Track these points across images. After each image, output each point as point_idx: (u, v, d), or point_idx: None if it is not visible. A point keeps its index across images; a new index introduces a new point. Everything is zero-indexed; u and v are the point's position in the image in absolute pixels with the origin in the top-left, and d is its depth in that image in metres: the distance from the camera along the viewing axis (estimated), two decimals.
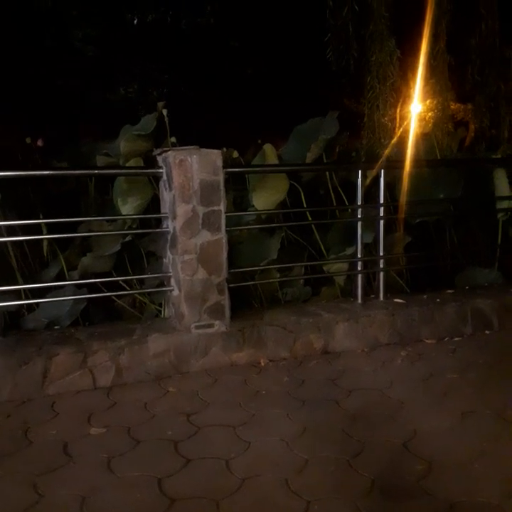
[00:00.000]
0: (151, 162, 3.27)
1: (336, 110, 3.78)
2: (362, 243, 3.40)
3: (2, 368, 2.59)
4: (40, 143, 4.04)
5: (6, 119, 4.05)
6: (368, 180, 3.44)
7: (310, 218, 3.63)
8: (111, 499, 1.81)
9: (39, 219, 3.35)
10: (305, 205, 3.65)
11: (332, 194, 3.78)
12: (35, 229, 3.36)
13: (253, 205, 3.49)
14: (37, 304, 3.18)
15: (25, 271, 3.38)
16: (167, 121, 3.41)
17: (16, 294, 3.15)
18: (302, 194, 3.60)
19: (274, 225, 3.56)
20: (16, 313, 3.15)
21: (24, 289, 3.18)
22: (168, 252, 3.09)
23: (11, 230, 3.22)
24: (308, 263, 3.66)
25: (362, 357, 3.13)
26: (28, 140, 3.93)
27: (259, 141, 3.98)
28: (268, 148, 3.50)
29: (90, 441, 2.21)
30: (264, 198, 3.43)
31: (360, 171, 3.36)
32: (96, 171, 3.54)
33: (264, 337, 3.06)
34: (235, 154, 3.84)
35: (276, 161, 3.58)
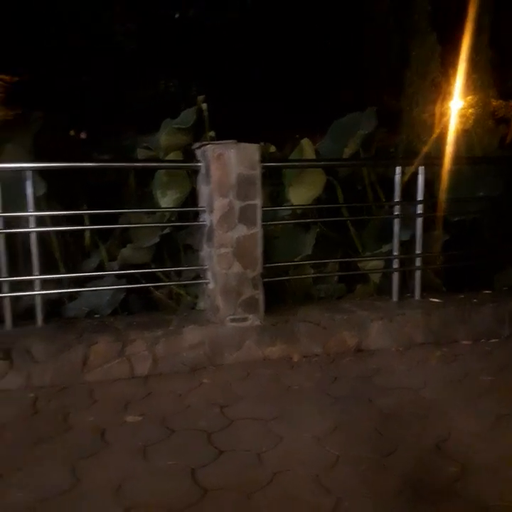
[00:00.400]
0: (190, 156, 3.31)
1: (374, 106, 3.74)
2: (399, 241, 3.36)
3: (44, 354, 2.69)
4: (83, 135, 4.14)
5: (50, 112, 4.16)
6: (407, 177, 3.39)
7: (346, 214, 3.61)
8: (145, 487, 1.87)
9: (82, 210, 3.44)
10: (341, 201, 3.63)
11: (369, 190, 3.74)
12: (77, 220, 3.46)
13: (289, 200, 3.50)
14: (78, 292, 3.28)
15: (68, 260, 3.48)
16: (206, 116, 3.45)
17: (58, 283, 3.26)
18: (339, 190, 3.58)
19: (310, 220, 3.55)
20: (58, 301, 3.25)
21: (66, 278, 3.29)
22: (205, 246, 3.14)
23: (54, 221, 3.33)
24: (343, 260, 3.64)
25: (396, 356, 3.10)
26: (71, 133, 4.04)
27: (297, 136, 3.97)
28: (306, 142, 3.50)
29: (126, 428, 2.28)
30: (301, 193, 3.43)
31: (398, 167, 3.32)
32: (137, 164, 3.61)
33: (298, 333, 3.07)
34: (272, 149, 3.84)
35: (313, 156, 3.57)
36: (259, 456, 2.05)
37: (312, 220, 3.54)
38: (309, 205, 3.49)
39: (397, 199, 3.34)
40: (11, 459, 2.04)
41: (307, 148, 3.48)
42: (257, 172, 2.94)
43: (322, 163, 3.54)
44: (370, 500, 1.78)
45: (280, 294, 3.46)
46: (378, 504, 1.76)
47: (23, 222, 3.02)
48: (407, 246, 3.52)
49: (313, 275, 3.53)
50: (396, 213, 3.36)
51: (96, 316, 3.20)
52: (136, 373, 2.82)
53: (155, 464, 2.01)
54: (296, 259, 3.40)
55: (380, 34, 5.28)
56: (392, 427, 2.26)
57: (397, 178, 3.31)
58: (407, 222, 3.45)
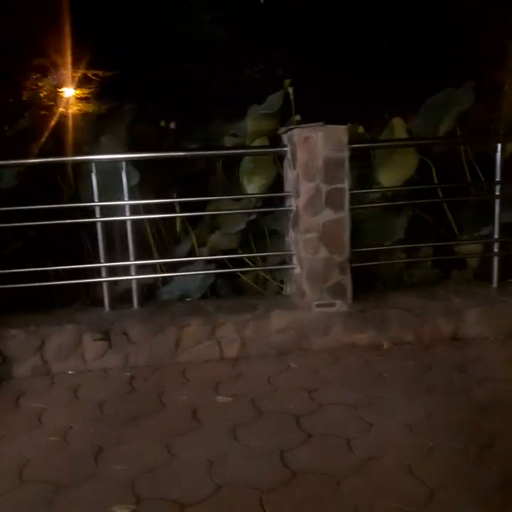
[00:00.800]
0: (276, 141, 3.30)
1: (471, 80, 3.50)
2: (500, 223, 3.15)
3: (140, 335, 2.83)
4: (172, 125, 4.27)
5: (141, 104, 4.33)
6: (508, 154, 3.15)
7: (441, 195, 3.43)
8: (236, 466, 1.91)
9: (172, 198, 3.56)
10: (436, 182, 3.45)
11: (466, 169, 3.52)
12: (169, 207, 3.58)
13: (379, 182, 3.38)
14: (171, 277, 3.41)
15: (160, 247, 3.63)
16: (292, 100, 3.41)
17: (152, 268, 3.41)
18: (433, 170, 3.40)
19: (402, 202, 3.41)
20: (152, 285, 3.40)
21: (159, 263, 3.43)
22: (291, 231, 3.12)
23: (147, 209, 3.47)
24: (438, 244, 3.47)
25: (495, 345, 2.92)
26: (162, 123, 4.18)
27: (386, 116, 3.82)
28: (397, 121, 3.36)
29: (217, 408, 2.34)
30: (391, 175, 3.31)
31: (499, 145, 3.09)
32: (224, 152, 3.67)
33: (388, 319, 2.98)
34: (361, 130, 3.73)
35: (405, 136, 3.42)
36: (348, 442, 2.02)
37: (404, 202, 3.40)
38: (401, 186, 3.35)
39: (498, 178, 3.11)
40: (112, 433, 2.16)
41: (398, 127, 3.34)
42: (345, 154, 2.86)
43: (415, 142, 3.38)
44: (466, 493, 1.70)
45: (369, 280, 3.37)
46: (477, 498, 1.67)
47: (118, 210, 3.17)
48: (508, 229, 3.28)
49: (405, 260, 3.39)
50: (497, 193, 3.14)
51: (187, 299, 3.31)
52: (225, 355, 2.89)
53: (245, 444, 2.05)
54: (386, 244, 3.29)
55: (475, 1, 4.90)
56: (488, 419, 2.13)
57: (498, 155, 3.09)
58: (509, 203, 3.21)
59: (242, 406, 2.34)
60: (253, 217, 3.50)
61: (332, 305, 2.95)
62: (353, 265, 2.98)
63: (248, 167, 3.46)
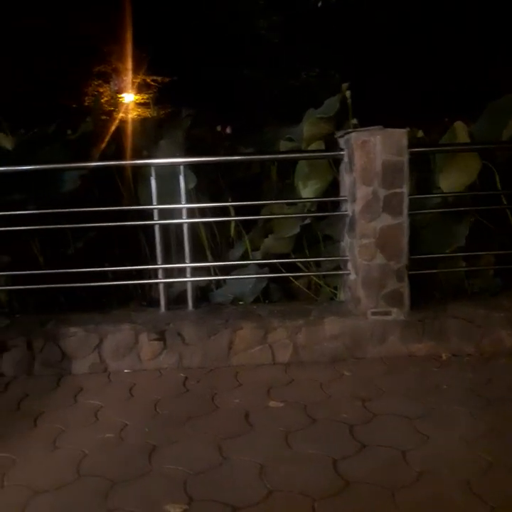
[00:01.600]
0: (332, 145, 3.27)
1: None
2: None
3: (194, 337, 2.87)
4: (228, 130, 4.31)
5: (199, 109, 4.40)
6: None
7: (505, 202, 3.28)
8: (287, 472, 1.89)
9: (227, 202, 3.59)
10: (499, 188, 3.31)
11: None
12: (223, 211, 3.61)
13: (439, 187, 3.28)
14: (224, 280, 3.43)
15: (214, 250, 3.66)
16: (349, 103, 3.37)
17: (207, 271, 3.44)
18: (497, 175, 3.26)
19: (463, 208, 3.29)
20: (206, 288, 3.44)
21: (213, 266, 3.46)
22: (346, 236, 3.08)
23: (202, 212, 3.52)
24: (501, 252, 3.32)
25: None
26: (218, 128, 4.22)
27: (446, 120, 3.71)
28: (459, 125, 3.24)
29: (269, 413, 2.34)
30: (452, 180, 3.19)
31: None
32: (279, 155, 3.66)
33: (447, 330, 2.88)
34: (420, 134, 3.63)
35: (467, 140, 3.30)
36: (403, 454, 1.96)
37: (465, 208, 3.28)
38: (462, 192, 3.24)
39: None
40: (165, 432, 2.20)
41: (460, 131, 3.23)
42: (405, 158, 2.80)
43: (479, 146, 3.25)
44: None
45: (427, 288, 3.27)
46: None
47: (175, 213, 3.23)
48: None
49: (465, 268, 3.27)
50: None
51: (240, 303, 3.32)
52: (278, 360, 2.87)
53: (296, 451, 2.03)
54: (447, 251, 3.18)
55: None
56: None
57: None
58: None
59: (295, 412, 2.32)
60: (307, 221, 3.47)
61: (388, 313, 2.88)
62: (411, 272, 2.90)
63: (303, 171, 3.44)
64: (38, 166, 3.19)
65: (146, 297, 3.50)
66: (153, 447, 2.07)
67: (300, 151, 3.51)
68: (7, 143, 3.57)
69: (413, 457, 1.94)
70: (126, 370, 2.85)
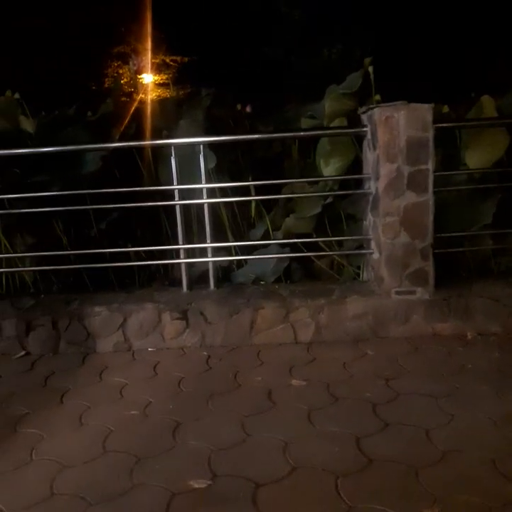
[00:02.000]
0: (354, 122, 3.21)
1: None
2: None
3: (217, 316, 2.88)
4: (248, 109, 4.25)
5: (218, 88, 4.35)
6: None
7: None
8: (311, 449, 1.90)
9: (247, 181, 3.56)
10: None
11: None
12: (244, 191, 3.59)
13: (465, 164, 3.19)
14: (245, 260, 3.43)
15: (235, 230, 3.65)
16: (372, 79, 3.29)
17: (228, 251, 3.44)
18: None
19: (490, 185, 3.20)
20: (228, 268, 3.44)
21: (234, 246, 3.46)
22: (369, 214, 3.03)
23: (223, 192, 3.50)
24: None
25: None
26: (238, 107, 4.17)
27: (473, 95, 3.59)
28: (486, 99, 3.14)
29: (292, 391, 2.34)
30: (479, 156, 3.11)
31: None
32: (300, 133, 3.60)
33: (473, 309, 2.83)
34: (445, 109, 3.54)
35: (494, 114, 3.20)
36: (427, 433, 1.95)
37: (492, 185, 3.19)
38: (489, 168, 3.15)
39: None
40: (189, 409, 2.22)
41: (488, 105, 3.13)
42: (430, 134, 2.73)
43: (507, 121, 3.15)
44: None
45: (452, 267, 3.21)
46: None
47: (196, 193, 3.22)
48: None
49: (492, 246, 3.20)
50: None
51: (261, 282, 3.31)
52: (300, 339, 2.87)
53: (319, 429, 2.03)
54: (473, 229, 3.11)
55: None
56: None
57: None
58: None
59: (317, 390, 2.32)
60: (329, 200, 3.43)
61: (413, 292, 2.84)
62: (436, 251, 2.85)
63: (325, 149, 3.38)
64: (59, 148, 3.21)
65: (168, 277, 3.52)
66: (177, 424, 2.10)
67: (321, 128, 3.45)
68: (29, 126, 3.58)
69: (437, 436, 1.93)
70: (149, 349, 2.88)
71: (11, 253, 3.36)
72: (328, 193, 3.39)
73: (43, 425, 2.15)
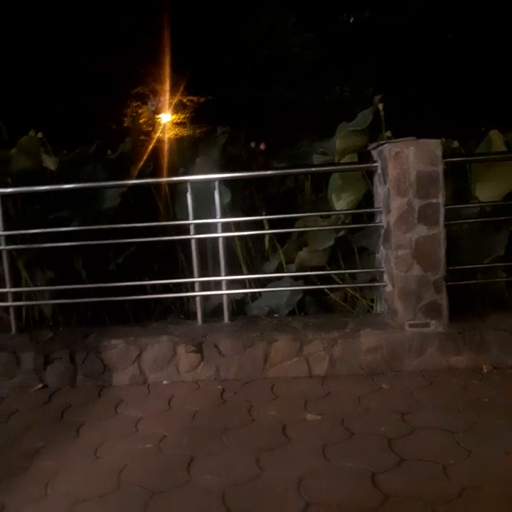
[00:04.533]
0: (365, 158, 3.27)
1: None
2: None
3: (230, 349, 2.89)
4: (262, 147, 4.35)
5: (233, 126, 4.47)
6: None
7: None
8: (325, 485, 1.88)
9: (261, 216, 3.63)
10: None
11: None
12: (257, 225, 3.65)
13: (476, 197, 3.23)
14: (259, 293, 3.46)
15: (249, 263, 3.70)
16: (382, 115, 3.37)
17: (242, 284, 3.48)
18: None
19: (502, 218, 3.23)
20: (242, 300, 3.47)
21: (248, 279, 3.49)
22: (381, 247, 3.06)
23: (237, 226, 3.56)
24: None
25: None
26: (252, 144, 4.28)
27: (483, 129, 3.65)
28: (494, 134, 3.20)
29: (306, 426, 2.33)
30: (490, 189, 3.14)
31: None
32: (313, 169, 3.68)
33: (488, 341, 2.81)
34: (455, 144, 3.60)
35: (503, 148, 3.25)
36: (444, 469, 1.92)
37: (504, 217, 3.21)
38: (500, 201, 3.18)
39: None
40: (203, 443, 2.22)
41: (496, 140, 3.19)
42: (439, 168, 2.78)
43: None
44: None
45: (466, 300, 3.21)
46: None
47: (211, 228, 3.29)
48: None
49: (506, 279, 3.20)
50: None
51: (275, 315, 3.33)
52: (314, 373, 2.87)
53: (334, 464, 2.01)
54: (485, 261, 3.12)
55: None
56: None
57: None
58: None
59: (332, 425, 2.31)
60: (342, 233, 3.47)
61: (427, 325, 2.84)
62: (449, 284, 2.86)
63: (337, 184, 3.45)
64: (80, 185, 3.34)
65: (183, 310, 3.56)
66: (191, 458, 2.10)
67: (333, 163, 3.53)
68: (51, 163, 3.72)
69: (455, 471, 1.90)
70: (164, 382, 2.89)
71: (31, 287, 3.43)
72: (340, 227, 3.43)
73: (59, 458, 2.16)
